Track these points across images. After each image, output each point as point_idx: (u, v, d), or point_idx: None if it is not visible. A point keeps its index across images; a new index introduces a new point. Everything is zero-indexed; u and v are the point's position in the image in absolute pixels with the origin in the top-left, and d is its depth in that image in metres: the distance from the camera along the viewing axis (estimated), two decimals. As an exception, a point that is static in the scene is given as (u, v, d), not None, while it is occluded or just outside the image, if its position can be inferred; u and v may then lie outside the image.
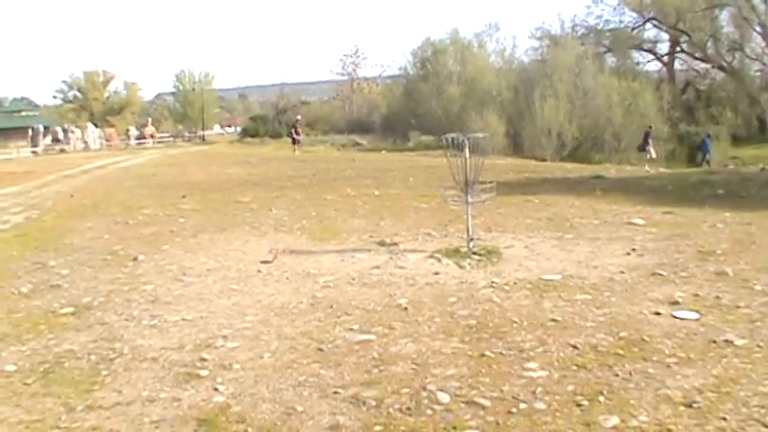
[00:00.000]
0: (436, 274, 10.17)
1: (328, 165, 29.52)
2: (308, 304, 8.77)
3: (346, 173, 25.74)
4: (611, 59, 59.69)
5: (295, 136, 41.13)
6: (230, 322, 8.14)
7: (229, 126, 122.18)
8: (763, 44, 59.80)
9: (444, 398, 5.85)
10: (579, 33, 61.44)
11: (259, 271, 10.64)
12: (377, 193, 19.53)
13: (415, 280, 9.83)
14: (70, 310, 8.87)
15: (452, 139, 11.54)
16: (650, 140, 37.98)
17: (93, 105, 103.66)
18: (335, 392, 6.01)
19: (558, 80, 44.21)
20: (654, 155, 37.57)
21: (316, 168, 27.85)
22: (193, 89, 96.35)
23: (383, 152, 39.53)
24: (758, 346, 6.98)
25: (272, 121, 75.87)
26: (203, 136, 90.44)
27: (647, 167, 33.38)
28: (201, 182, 25.28)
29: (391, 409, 5.65)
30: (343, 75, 75.47)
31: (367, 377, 6.34)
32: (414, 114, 49.69)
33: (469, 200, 11.45)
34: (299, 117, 44.62)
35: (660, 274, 9.95)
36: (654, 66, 65.81)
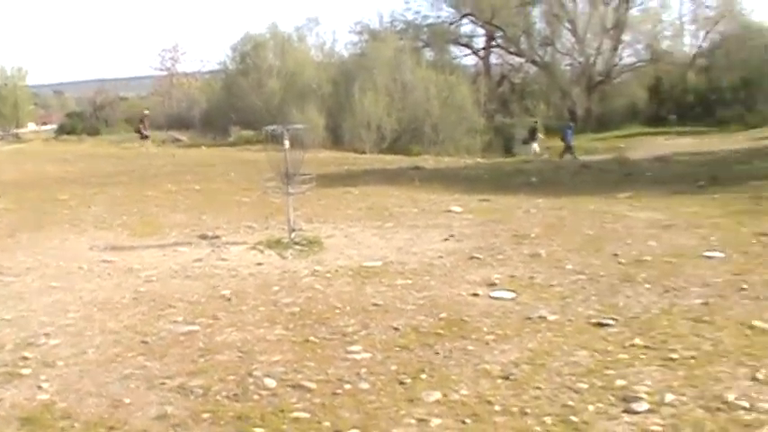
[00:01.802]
0: (259, 264, 10.30)
1: (148, 161, 28.99)
2: (131, 299, 8.74)
3: (166, 169, 25.39)
4: (429, 53, 60.36)
5: (143, 131, 40.00)
6: (52, 320, 8.01)
7: (45, 123, 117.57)
8: (573, 40, 62.16)
9: (271, 383, 5.99)
10: (398, 28, 62.06)
11: (80, 267, 10.49)
12: (198, 188, 19.41)
13: (237, 271, 9.94)
14: None
15: (272, 130, 11.65)
16: (538, 135, 38.89)
17: None
18: (162, 383, 6.07)
19: (377, 74, 44.57)
20: (537, 149, 38.20)
21: (135, 165, 27.34)
22: (6, 85, 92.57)
23: (203, 147, 39.08)
24: (569, 320, 7.46)
25: (90, 117, 73.87)
26: (17, 134, 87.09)
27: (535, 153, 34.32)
28: (17, 180, 24.44)
29: (219, 397, 5.76)
30: (161, 70, 74.28)
31: (193, 367, 6.42)
32: (234, 109, 49.25)
33: (290, 191, 11.60)
34: (146, 111, 43.16)
35: (477, 258, 10.39)
36: (470, 60, 67.14)
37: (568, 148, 37.94)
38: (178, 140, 49.00)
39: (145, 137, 40.19)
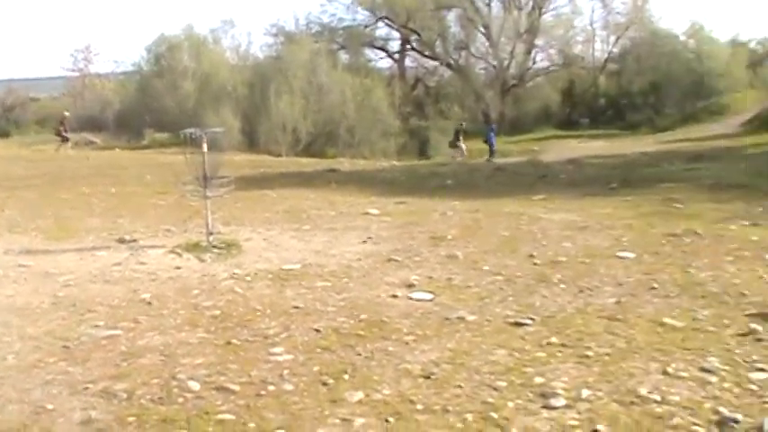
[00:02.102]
0: (178, 268, 10.28)
1: (61, 163, 28.54)
2: (50, 304, 8.62)
3: (81, 171, 25.02)
4: (344, 56, 60.64)
5: (63, 133, 39.08)
6: (-32, 327, 7.91)
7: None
8: (487, 44, 62.98)
9: (195, 386, 6.01)
10: (314, 30, 62.21)
11: (-5, 273, 10.35)
12: (113, 191, 19.23)
13: (157, 275, 9.90)
14: None
15: (190, 134, 11.64)
16: (461, 137, 38.86)
17: None
18: (85, 388, 6.03)
19: (292, 76, 44.60)
20: (465, 152, 38.24)
21: (48, 167, 26.85)
22: None
23: (117, 150, 38.69)
24: (487, 320, 7.64)
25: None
26: None
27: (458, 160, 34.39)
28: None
29: (143, 400, 5.76)
30: (74, 71, 73.01)
31: (116, 371, 6.39)
32: (148, 111, 48.79)
33: (208, 194, 11.59)
34: (66, 113, 42.11)
35: (395, 260, 10.54)
36: (386, 63, 67.66)
37: (491, 149, 38.17)
38: (92, 142, 48.29)
39: (65, 139, 39.32)
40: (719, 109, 56.05)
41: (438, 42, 63.53)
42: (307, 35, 56.90)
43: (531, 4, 63.58)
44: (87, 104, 61.47)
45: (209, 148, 11.54)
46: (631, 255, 10.55)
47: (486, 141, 38.97)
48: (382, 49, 67.02)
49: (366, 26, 65.51)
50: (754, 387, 5.76)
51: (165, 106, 47.12)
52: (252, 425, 5.31)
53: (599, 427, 5.15)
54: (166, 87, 48.82)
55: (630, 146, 41.68)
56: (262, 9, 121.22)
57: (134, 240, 12.20)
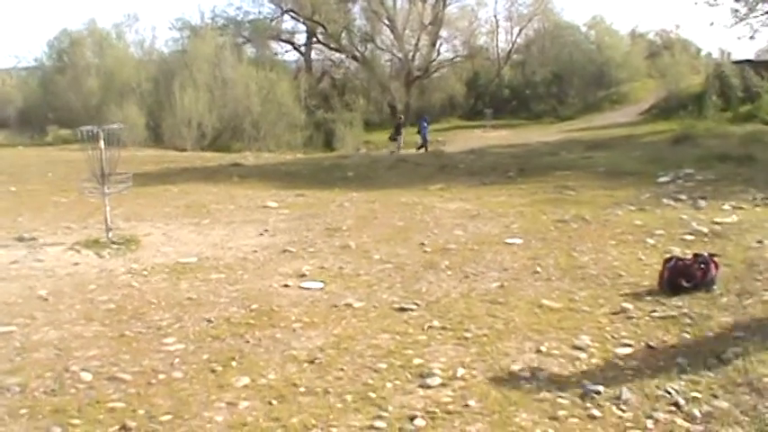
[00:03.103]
0: (76, 264, 10.39)
1: (-42, 162, 28.15)
2: (-56, 302, 8.69)
3: (-21, 170, 24.71)
4: (250, 50, 60.33)
5: None
6: None
7: None
8: (392, 36, 63.34)
9: (87, 377, 6.19)
10: (219, 24, 61.78)
11: None
12: (13, 189, 19.05)
13: (54, 272, 9.99)
14: None
15: (88, 131, 11.69)
16: (402, 131, 38.68)
17: None
18: (-23, 383, 6.18)
19: (197, 71, 44.26)
20: (401, 144, 38.24)
21: (-55, 167, 26.52)
22: None
23: (20, 147, 37.99)
24: (374, 306, 7.99)
25: None
26: None
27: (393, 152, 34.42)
28: None
29: (36, 393, 5.91)
30: (-29, 67, 71.54)
31: (10, 366, 6.52)
32: (51, 108, 47.88)
33: (106, 191, 11.68)
34: None
35: (290, 251, 10.84)
36: (292, 56, 67.53)
37: (424, 142, 37.90)
38: (-8, 140, 47.37)
39: None
40: (620, 98, 57.59)
41: (344, 35, 63.63)
42: (212, 29, 56.27)
43: (435, -5, 64.15)
44: (-13, 101, 60.20)
45: (108, 145, 11.61)
46: (519, 240, 11.00)
47: (419, 133, 38.63)
48: (288, 42, 66.92)
49: (272, 19, 65.36)
50: (618, 362, 6.18)
51: (69, 102, 46.31)
52: (141, 411, 5.53)
53: (470, 402, 5.49)
54: (69, 83, 47.95)
55: (533, 135, 42.48)
56: (166, 3, 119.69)
57: (33, 238, 12.19)
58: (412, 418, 5.27)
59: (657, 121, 41.52)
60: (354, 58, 64.36)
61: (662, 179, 16.71)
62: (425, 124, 39.60)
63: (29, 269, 10.18)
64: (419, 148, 36.80)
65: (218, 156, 31.44)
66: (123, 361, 6.54)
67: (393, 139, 39.07)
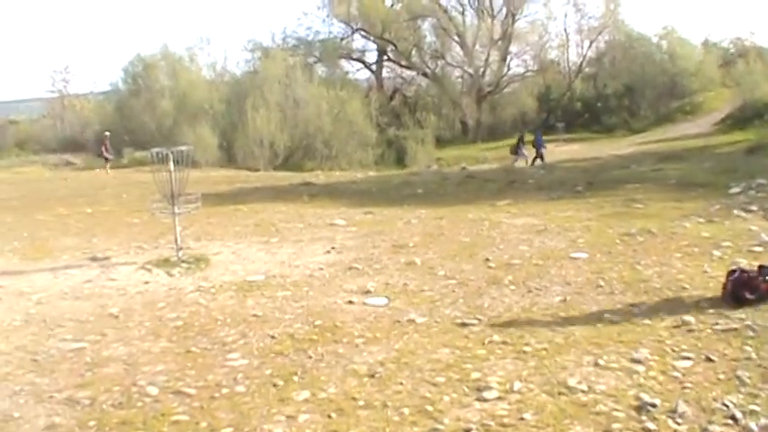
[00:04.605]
0: (146, 283, 10.63)
1: (39, 185, 28.71)
2: (22, 321, 8.96)
3: (59, 193, 25.22)
4: (321, 69, 60.77)
5: (105, 154, 38.81)
6: (-57, 344, 8.22)
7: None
8: (462, 52, 63.38)
9: (153, 391, 6.42)
10: (290, 45, 62.28)
11: (-30, 295, 10.63)
12: (89, 210, 19.46)
13: (126, 290, 10.25)
14: None
15: (158, 152, 11.94)
16: (522, 145, 38.49)
17: None
18: (51, 396, 6.41)
19: (268, 91, 44.69)
20: (528, 157, 37.96)
21: (26, 189, 27.01)
22: None
23: (97, 170, 38.72)
24: (435, 322, 8.08)
25: (-21, 142, 72.06)
26: None
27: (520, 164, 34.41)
28: None
29: (104, 406, 6.15)
30: (53, 92, 72.96)
31: (80, 380, 6.77)
32: (127, 131, 48.60)
33: (176, 211, 11.92)
34: (107, 133, 41.77)
35: (356, 268, 10.96)
36: (363, 74, 67.81)
37: (540, 155, 37.15)
38: (71, 163, 48.30)
39: (107, 159, 39.18)
40: (693, 109, 56.60)
41: (414, 52, 63.83)
42: (283, 49, 56.92)
43: (504, 11, 64.00)
44: (67, 125, 61.42)
45: (177, 166, 11.85)
46: (584, 255, 10.97)
47: (534, 145, 37.91)
48: (359, 60, 67.21)
49: (342, 38, 65.71)
50: (677, 374, 6.19)
51: (144, 125, 47.14)
52: (204, 424, 5.71)
53: (526, 415, 5.56)
54: (144, 106, 48.83)
55: (605, 148, 42.18)
56: (238, 26, 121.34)
57: (106, 258, 12.49)
58: (467, 431, 5.35)
59: (732, 132, 40.83)
60: (425, 74, 64.49)
61: (733, 190, 16.47)
62: (540, 136, 39.07)
63: (101, 288, 10.45)
64: (533, 161, 36.56)
65: (290, 175, 31.72)
66: (188, 376, 6.75)
67: (514, 153, 38.62)
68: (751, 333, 7.06)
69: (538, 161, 36.03)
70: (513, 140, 41.33)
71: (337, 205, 18.68)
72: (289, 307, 8.99)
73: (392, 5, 63.33)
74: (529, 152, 37.59)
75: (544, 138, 39.08)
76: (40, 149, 53.60)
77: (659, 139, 45.03)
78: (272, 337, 7.78)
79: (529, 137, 40.01)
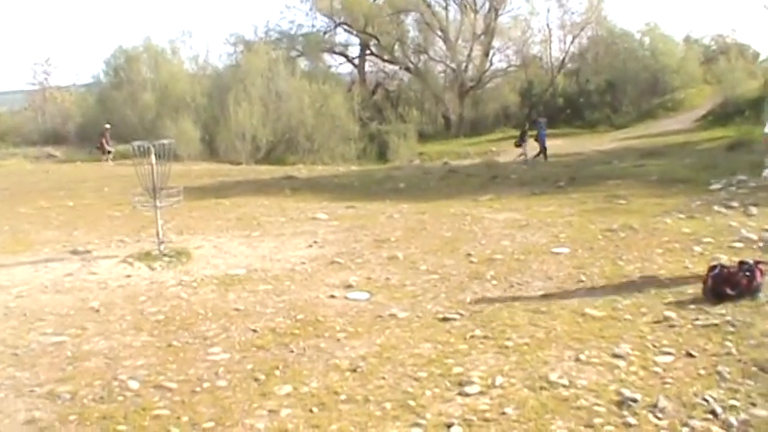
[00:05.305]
0: (128, 276, 10.59)
1: (21, 178, 28.56)
2: (2, 314, 8.91)
3: (40, 185, 25.06)
4: (304, 63, 60.50)
5: (106, 146, 38.58)
6: None
7: None
8: (445, 47, 63.35)
9: (134, 385, 6.40)
10: (273, 38, 62.09)
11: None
12: (71, 203, 19.38)
13: (107, 284, 10.21)
14: None
15: (140, 146, 11.90)
16: (526, 138, 37.00)
17: None
18: (31, 391, 6.37)
19: (251, 84, 44.53)
20: (527, 152, 35.42)
21: (7, 182, 26.77)
22: None
23: (78, 163, 38.51)
24: (417, 316, 8.09)
25: (-42, 134, 71.54)
26: None
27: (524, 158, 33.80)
28: None
29: (85, 400, 6.12)
30: (34, 84, 72.55)
31: (61, 374, 6.74)
32: (109, 123, 48.59)
33: (158, 204, 11.89)
34: (107, 125, 41.41)
35: (338, 262, 10.96)
36: (346, 68, 67.61)
37: (543, 149, 35.03)
38: (53, 156, 48.00)
39: (108, 152, 38.98)
40: (675, 105, 56.78)
41: (397, 46, 63.67)
42: (266, 43, 56.69)
43: (487, 6, 63.90)
44: (48, 118, 61.08)
45: (159, 159, 11.81)
46: (566, 250, 11.01)
47: (536, 139, 36.61)
48: (342, 54, 67.07)
49: (325, 32, 65.47)
50: (658, 369, 6.21)
51: (125, 118, 46.82)
52: (185, 418, 5.69)
53: (507, 410, 5.56)
54: (126, 99, 48.57)
55: (587, 144, 42.30)
56: (220, 19, 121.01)
57: (87, 251, 12.44)
58: (449, 426, 5.38)
59: (713, 128, 40.94)
60: (408, 69, 64.37)
61: (714, 186, 16.56)
62: (542, 130, 36.31)
63: (82, 281, 10.41)
64: (537, 155, 34.47)
65: (272, 169, 31.70)
66: (170, 370, 6.73)
67: (519, 145, 37.80)
68: (731, 329, 7.08)
69: (541, 157, 34.34)
70: (496, 136, 41.02)
71: (319, 199, 18.69)
72: (270, 301, 8.99)
73: (375, 0, 63.22)
74: (530, 146, 35.93)
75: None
76: (21, 142, 53.27)
77: (641, 135, 45.15)
78: (254, 331, 7.77)
79: (531, 132, 38.83)
